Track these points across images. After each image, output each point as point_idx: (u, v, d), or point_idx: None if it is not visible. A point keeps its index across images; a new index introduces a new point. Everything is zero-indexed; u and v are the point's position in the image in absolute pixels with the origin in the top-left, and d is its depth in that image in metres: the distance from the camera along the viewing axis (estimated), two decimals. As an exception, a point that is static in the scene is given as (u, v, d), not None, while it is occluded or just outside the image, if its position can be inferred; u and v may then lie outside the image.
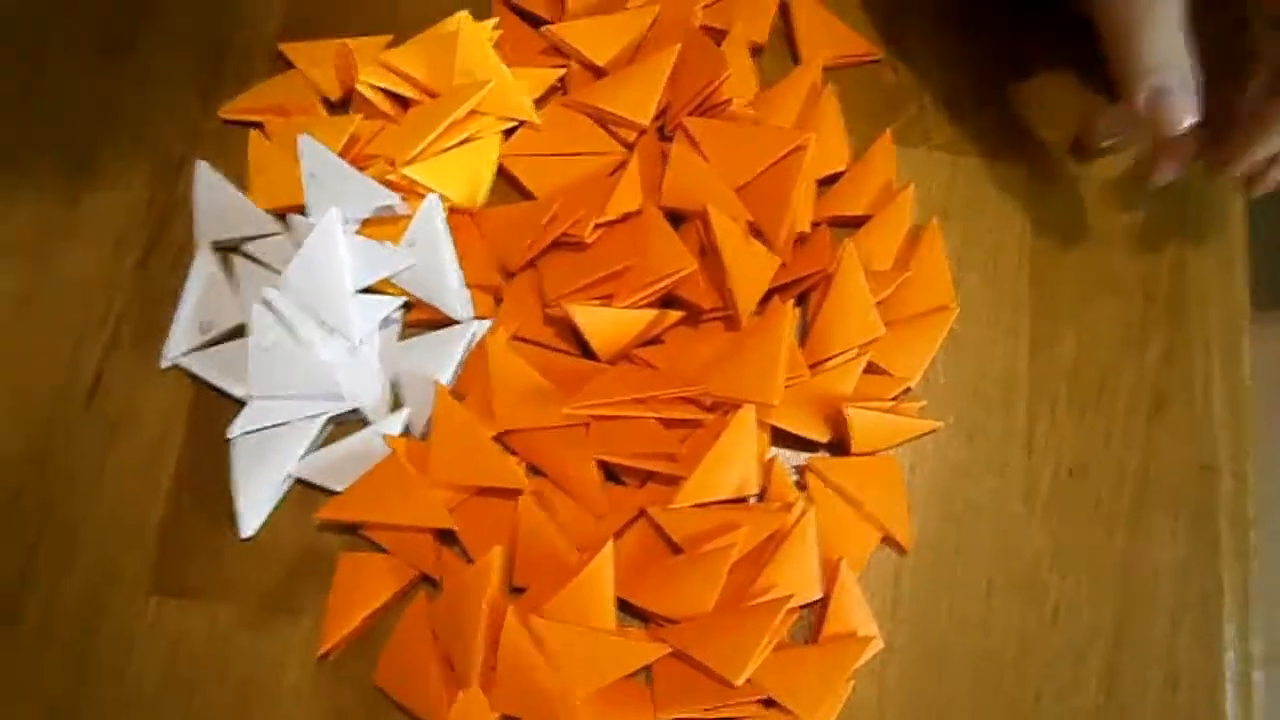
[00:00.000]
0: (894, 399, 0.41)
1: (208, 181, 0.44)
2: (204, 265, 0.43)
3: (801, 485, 0.40)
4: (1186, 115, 0.37)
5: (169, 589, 0.40)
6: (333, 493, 0.40)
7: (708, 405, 0.40)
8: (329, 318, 0.41)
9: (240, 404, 0.41)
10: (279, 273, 0.42)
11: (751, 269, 0.41)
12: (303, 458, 0.41)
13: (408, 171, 0.42)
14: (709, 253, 0.41)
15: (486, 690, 0.37)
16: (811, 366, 0.41)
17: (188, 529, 0.41)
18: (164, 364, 0.42)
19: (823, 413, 0.41)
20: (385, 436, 0.40)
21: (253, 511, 0.40)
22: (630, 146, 0.44)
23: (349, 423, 0.42)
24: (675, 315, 0.41)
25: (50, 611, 0.40)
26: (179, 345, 0.42)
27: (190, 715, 0.39)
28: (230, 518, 0.40)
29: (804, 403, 0.41)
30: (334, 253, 0.41)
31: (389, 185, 0.42)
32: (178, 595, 0.40)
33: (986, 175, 0.46)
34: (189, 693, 0.39)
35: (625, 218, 0.42)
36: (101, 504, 0.41)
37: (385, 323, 0.42)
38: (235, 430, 0.41)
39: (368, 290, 0.42)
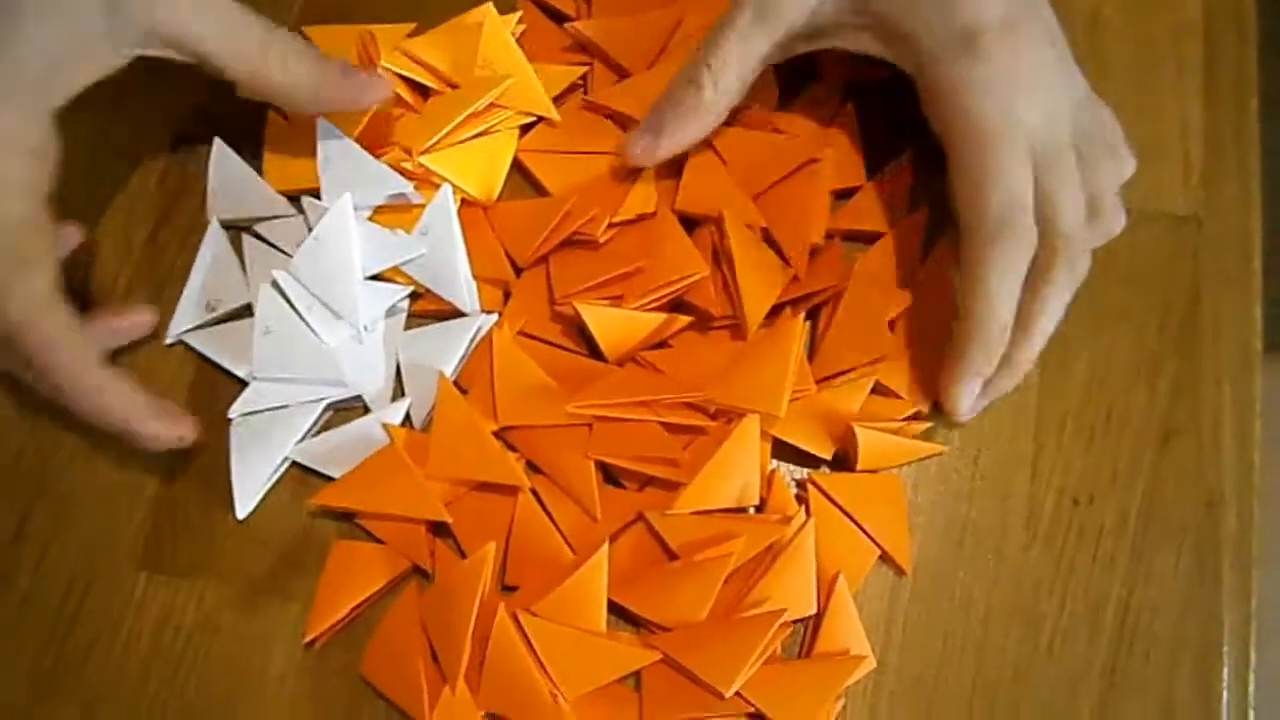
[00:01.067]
0: (904, 420, 0.41)
1: (223, 159, 0.44)
2: (213, 243, 0.43)
3: (801, 499, 0.40)
4: None
5: (159, 565, 0.40)
6: (330, 479, 0.40)
7: (711, 413, 0.40)
8: (336, 303, 0.40)
9: (242, 384, 0.41)
10: (288, 255, 0.42)
11: (762, 278, 0.40)
12: (300, 442, 0.40)
13: (424, 160, 0.42)
14: (722, 259, 0.41)
15: (472, 687, 0.37)
16: (819, 382, 0.40)
17: (181, 507, 0.41)
18: (168, 339, 0.42)
19: (828, 429, 0.40)
20: (385, 425, 0.40)
21: (248, 493, 0.40)
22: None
23: (349, 409, 0.42)
24: (684, 320, 0.41)
25: (40, 577, 0.40)
26: (184, 321, 0.42)
27: (174, 692, 0.39)
28: (225, 499, 0.40)
29: (810, 418, 0.40)
30: (346, 238, 0.41)
31: (405, 174, 0.42)
32: (168, 572, 0.40)
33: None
34: (174, 669, 0.39)
35: (639, 219, 0.42)
36: (96, 474, 0.41)
37: (391, 311, 0.42)
38: (235, 411, 0.40)
39: (376, 277, 0.42)
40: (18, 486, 0.41)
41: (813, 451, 0.40)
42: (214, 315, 0.42)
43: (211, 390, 0.42)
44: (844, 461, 0.41)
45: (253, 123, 0.45)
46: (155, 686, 0.39)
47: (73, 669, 0.39)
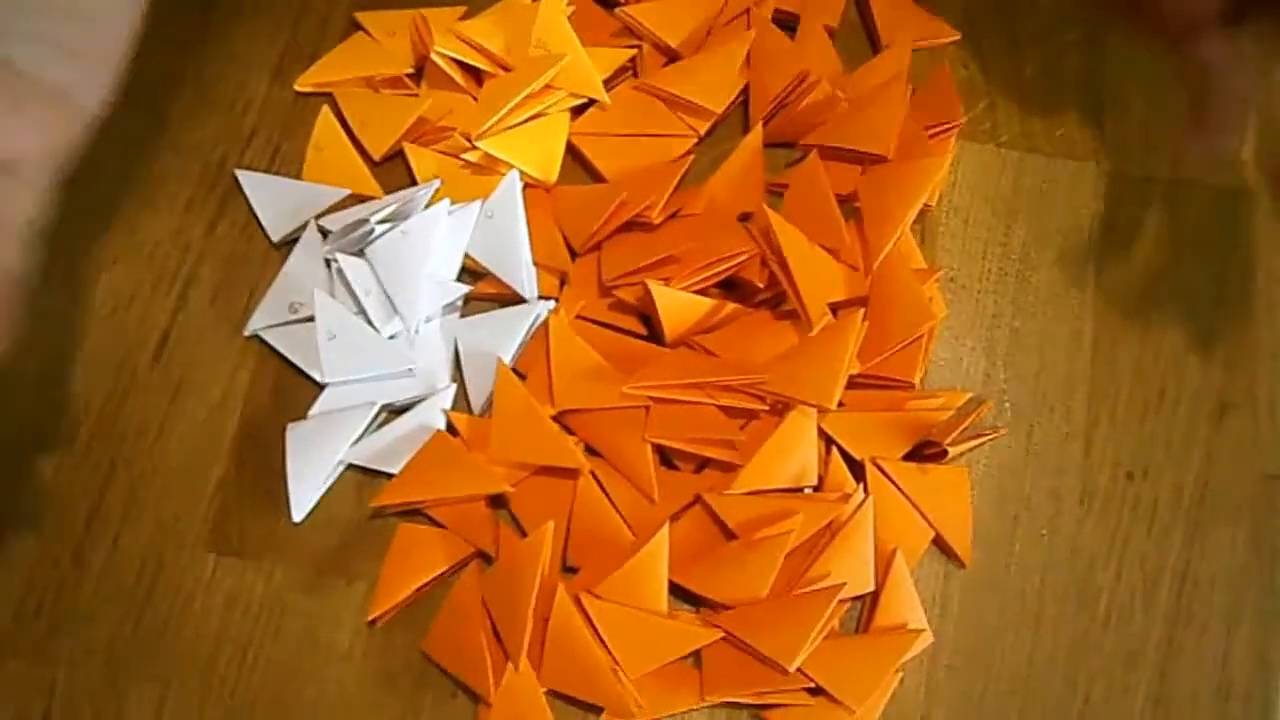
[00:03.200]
0: (959, 409, 0.41)
1: (255, 184, 0.44)
2: (306, 250, 0.43)
3: (859, 478, 0.40)
4: None
5: (228, 547, 0.41)
6: (387, 475, 0.41)
7: (765, 399, 0.40)
8: (399, 297, 0.41)
9: (306, 375, 0.42)
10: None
11: (818, 274, 0.41)
12: (356, 444, 0.41)
13: (484, 145, 0.42)
14: (769, 257, 0.41)
15: (535, 665, 0.38)
16: (866, 368, 0.41)
17: (249, 491, 0.41)
18: (246, 332, 0.43)
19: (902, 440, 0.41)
20: (446, 412, 0.41)
21: (304, 496, 0.41)
22: (699, 133, 0.44)
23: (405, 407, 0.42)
24: (739, 306, 0.41)
25: (113, 560, 0.41)
26: (264, 319, 0.43)
27: (243, 671, 0.40)
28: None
29: (880, 432, 0.41)
30: (429, 241, 0.41)
31: (465, 162, 0.42)
32: (236, 553, 0.41)
33: (1055, 174, 0.46)
34: (243, 648, 0.40)
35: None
36: (165, 460, 0.42)
37: (449, 306, 0.43)
38: (314, 413, 0.41)
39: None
40: (89, 473, 0.42)
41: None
42: (295, 317, 0.43)
43: (275, 379, 0.43)
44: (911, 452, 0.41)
45: (309, 113, 0.45)
46: (225, 665, 0.40)
47: (147, 649, 0.40)
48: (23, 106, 0.35)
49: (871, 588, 0.39)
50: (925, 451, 0.41)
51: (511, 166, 0.43)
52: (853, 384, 0.40)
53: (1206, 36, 0.38)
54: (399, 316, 0.41)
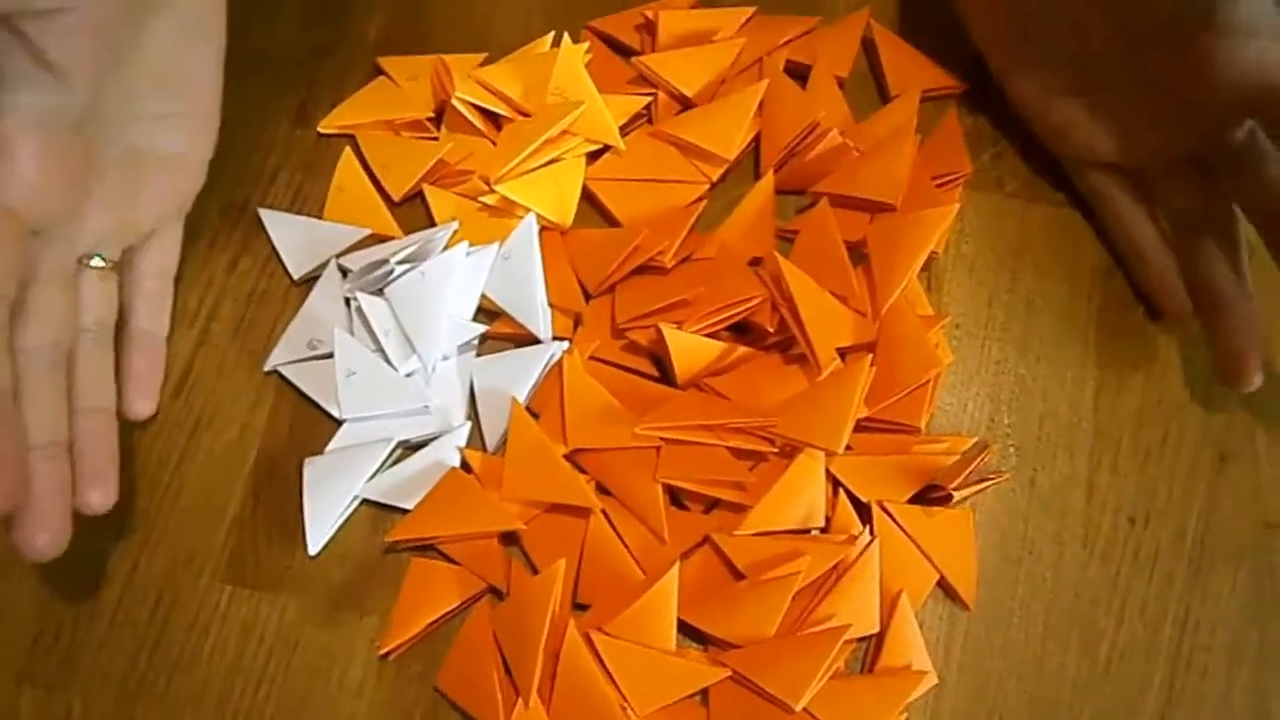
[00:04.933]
0: (964, 454, 0.42)
1: (277, 223, 0.46)
2: (326, 288, 0.44)
3: (865, 520, 0.41)
4: None
5: (242, 579, 0.41)
6: (401, 510, 0.41)
7: (775, 441, 0.41)
8: (416, 335, 0.42)
9: (324, 412, 0.43)
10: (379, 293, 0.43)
11: (827, 319, 0.41)
12: (371, 479, 0.42)
13: (501, 189, 0.43)
14: (779, 301, 0.42)
15: (545, 701, 0.38)
16: (873, 412, 0.41)
17: (264, 524, 0.42)
18: (265, 368, 0.44)
19: (902, 483, 0.41)
20: (461, 450, 0.41)
21: (320, 531, 0.41)
22: (712, 179, 0.45)
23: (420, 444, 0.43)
24: (751, 350, 0.42)
25: (129, 591, 0.41)
26: (283, 355, 0.44)
27: (256, 703, 0.40)
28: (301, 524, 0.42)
29: (886, 473, 0.41)
30: (447, 281, 0.42)
31: (483, 205, 0.43)
32: (251, 587, 0.41)
33: (1060, 223, 0.47)
34: (256, 681, 0.40)
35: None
36: (184, 492, 0.43)
37: (464, 346, 0.44)
38: (331, 448, 0.42)
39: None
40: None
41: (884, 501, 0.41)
42: (314, 353, 0.43)
43: (292, 414, 0.43)
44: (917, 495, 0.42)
45: (330, 155, 0.47)
46: (239, 697, 0.40)
47: (161, 680, 0.40)
48: (149, 182, 0.40)
49: (877, 629, 0.39)
50: (930, 495, 0.41)
51: (528, 210, 0.44)
52: (860, 428, 0.41)
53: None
54: (416, 355, 0.42)
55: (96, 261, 0.39)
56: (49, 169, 0.35)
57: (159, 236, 0.41)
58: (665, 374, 0.43)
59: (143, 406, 0.40)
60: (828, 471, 0.41)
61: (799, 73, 0.47)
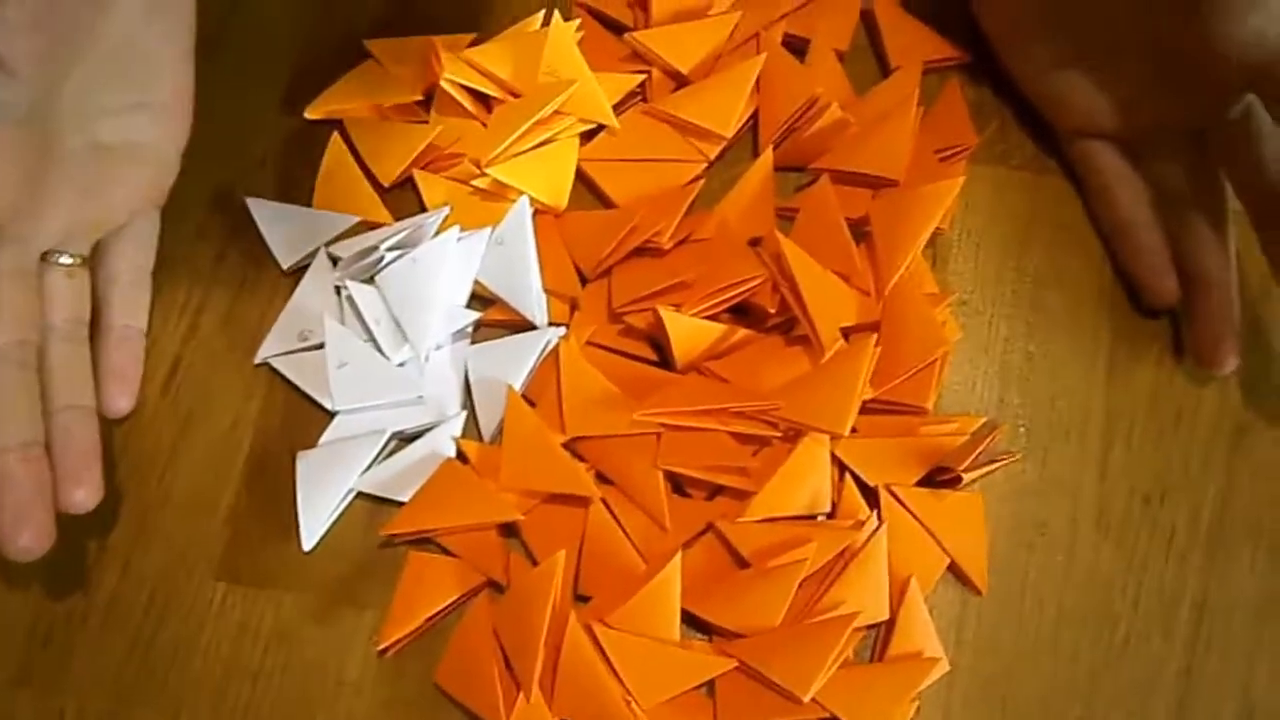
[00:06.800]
0: (973, 435, 0.41)
1: (264, 212, 0.45)
2: (316, 277, 0.43)
3: (873, 504, 0.40)
4: None
5: (237, 576, 0.41)
6: (398, 503, 0.41)
7: (777, 425, 0.40)
8: (409, 325, 0.41)
9: (316, 403, 0.42)
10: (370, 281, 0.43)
11: (829, 299, 0.40)
12: (366, 472, 0.41)
13: (493, 171, 0.42)
14: (780, 281, 0.41)
15: (546, 695, 0.37)
16: (879, 393, 0.40)
17: (258, 519, 0.41)
18: (256, 360, 0.43)
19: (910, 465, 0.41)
20: (457, 440, 0.41)
21: (315, 525, 0.41)
22: (709, 158, 0.44)
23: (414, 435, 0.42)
24: (751, 332, 0.41)
25: (123, 589, 0.41)
26: (273, 346, 0.43)
27: (252, 700, 0.40)
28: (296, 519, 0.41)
29: (894, 456, 0.40)
30: (439, 268, 0.41)
31: (474, 189, 0.43)
32: (246, 582, 0.41)
33: (1070, 196, 0.45)
34: (252, 678, 0.40)
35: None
36: (175, 488, 0.42)
37: (458, 333, 0.43)
38: (324, 442, 0.41)
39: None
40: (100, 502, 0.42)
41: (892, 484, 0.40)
42: (305, 344, 0.43)
43: (284, 407, 0.43)
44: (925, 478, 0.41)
45: (319, 141, 0.46)
46: (235, 694, 0.40)
47: (156, 678, 0.40)
48: (117, 176, 0.39)
49: (886, 615, 0.38)
50: (939, 477, 0.40)
51: (521, 193, 0.43)
52: (865, 409, 0.40)
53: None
54: (409, 344, 0.41)
55: (64, 259, 0.38)
56: None
57: (133, 230, 0.40)
58: (664, 358, 0.42)
59: (121, 403, 0.39)
60: (833, 455, 0.40)
61: (797, 46, 0.46)
